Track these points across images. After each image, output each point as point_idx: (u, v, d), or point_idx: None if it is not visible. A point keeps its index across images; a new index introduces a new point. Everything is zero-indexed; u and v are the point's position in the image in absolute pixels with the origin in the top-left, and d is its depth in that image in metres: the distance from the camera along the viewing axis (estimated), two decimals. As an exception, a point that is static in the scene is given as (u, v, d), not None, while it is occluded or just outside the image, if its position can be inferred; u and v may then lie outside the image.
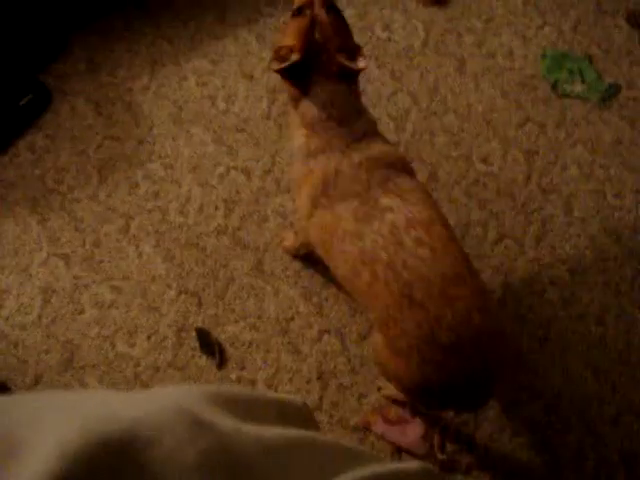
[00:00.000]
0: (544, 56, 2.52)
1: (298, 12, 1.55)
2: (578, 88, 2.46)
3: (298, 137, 1.58)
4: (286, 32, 1.56)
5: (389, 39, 2.51)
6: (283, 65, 1.50)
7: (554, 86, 2.45)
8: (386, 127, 2.34)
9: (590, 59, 2.54)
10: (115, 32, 2.57)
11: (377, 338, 1.55)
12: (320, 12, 1.51)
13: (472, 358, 1.39)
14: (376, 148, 1.55)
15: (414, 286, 1.38)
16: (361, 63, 1.51)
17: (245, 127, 2.35)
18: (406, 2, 2.59)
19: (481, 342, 1.39)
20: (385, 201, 1.46)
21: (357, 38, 2.34)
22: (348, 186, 1.50)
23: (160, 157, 2.31)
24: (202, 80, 2.45)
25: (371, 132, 1.59)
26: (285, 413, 1.07)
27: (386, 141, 1.63)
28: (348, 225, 1.48)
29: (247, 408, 0.92)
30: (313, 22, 1.51)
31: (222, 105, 2.39)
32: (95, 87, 2.45)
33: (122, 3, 2.63)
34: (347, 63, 1.50)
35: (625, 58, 2.53)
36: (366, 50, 2.47)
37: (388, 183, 1.49)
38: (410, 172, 1.61)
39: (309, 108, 1.55)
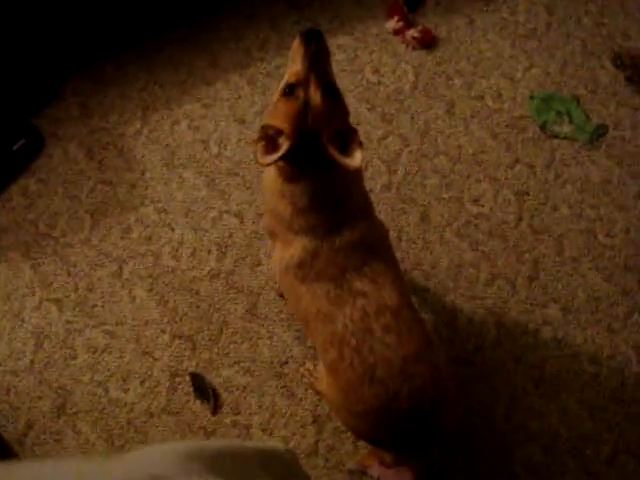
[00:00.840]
0: (532, 97, 2.58)
1: (289, 92, 1.43)
2: (566, 129, 2.53)
3: (283, 206, 1.56)
4: (275, 112, 1.46)
5: (379, 82, 2.57)
6: (274, 158, 1.40)
7: (543, 127, 2.52)
8: (377, 170, 2.39)
9: (578, 100, 2.61)
10: (107, 76, 2.62)
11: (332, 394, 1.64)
12: (315, 95, 1.40)
13: (423, 423, 1.50)
14: (359, 232, 1.56)
15: (377, 367, 1.46)
16: (356, 159, 1.38)
17: (238, 171, 2.40)
18: (395, 45, 2.66)
19: (432, 410, 1.50)
20: (358, 285, 1.51)
21: (347, 82, 2.43)
22: (324, 269, 1.53)
23: (153, 201, 2.34)
24: (194, 124, 2.50)
25: (358, 212, 1.59)
26: (268, 463, 1.10)
27: (371, 218, 1.66)
28: (322, 305, 1.53)
29: (230, 462, 0.94)
30: (306, 106, 1.40)
31: (214, 149, 2.44)
32: (88, 132, 2.49)
33: (114, 48, 2.68)
34: (340, 159, 1.39)
35: (612, 99, 2.60)
36: (357, 93, 2.54)
37: (364, 268, 1.53)
38: (388, 248, 1.69)
39: (298, 194, 1.52)
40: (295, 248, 1.55)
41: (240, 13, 2.75)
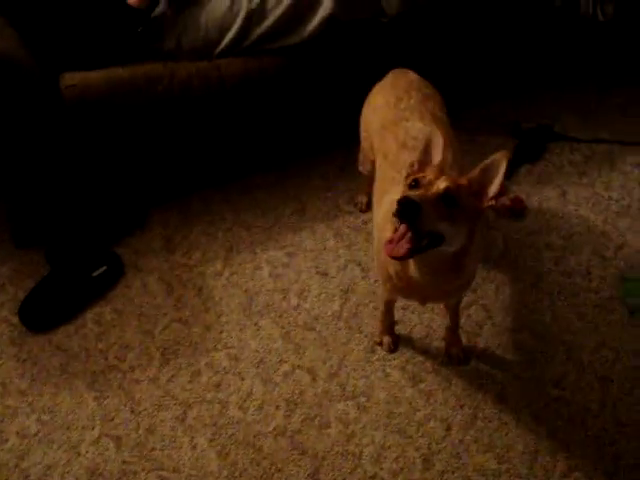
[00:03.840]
0: (624, 279, 2.60)
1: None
2: (658, 315, 2.52)
3: None
4: None
5: (466, 248, 2.63)
6: None
7: (633, 312, 2.52)
8: (457, 339, 2.41)
9: (671, 286, 2.61)
10: (194, 213, 2.76)
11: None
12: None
13: None
14: None
15: None
16: None
17: (315, 325, 2.45)
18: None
19: None
20: None
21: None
22: None
23: (226, 347, 2.41)
24: (276, 272, 2.59)
25: None
26: None
27: None
28: None
29: None
30: None
31: (294, 300, 2.52)
32: (169, 266, 2.60)
33: (203, 185, 2.83)
34: None
35: None
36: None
37: None
38: None
39: None
40: None
41: (332, 163, 2.88)
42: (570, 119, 3.17)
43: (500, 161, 1.66)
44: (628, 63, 3.34)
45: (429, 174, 1.68)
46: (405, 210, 1.56)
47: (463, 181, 1.69)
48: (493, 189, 1.68)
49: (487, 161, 1.69)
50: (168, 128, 2.51)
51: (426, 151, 1.77)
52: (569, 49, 3.14)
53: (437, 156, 1.75)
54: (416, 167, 1.76)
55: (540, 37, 2.98)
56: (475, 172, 1.71)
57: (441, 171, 1.70)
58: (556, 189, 2.88)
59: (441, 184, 1.63)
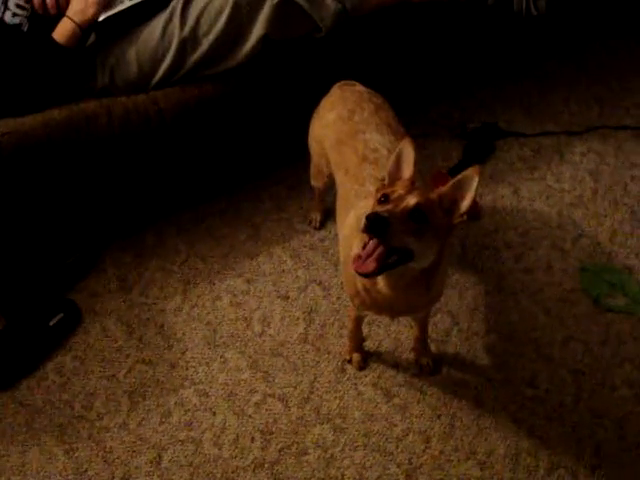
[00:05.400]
0: (584, 269, 2.63)
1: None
2: (621, 302, 2.56)
3: None
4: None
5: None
6: None
7: (596, 301, 2.55)
8: (427, 349, 2.42)
9: (630, 270, 2.65)
10: (147, 249, 2.73)
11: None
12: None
13: None
14: None
15: None
16: None
17: (282, 351, 2.44)
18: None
19: None
20: None
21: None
22: None
23: (194, 383, 2.38)
24: (236, 300, 2.57)
25: None
26: None
27: None
28: None
29: None
30: None
31: (257, 327, 2.50)
32: (127, 307, 2.56)
33: (154, 218, 2.80)
34: None
35: (669, 277, 2.64)
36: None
37: None
38: None
39: None
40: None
41: (281, 183, 2.88)
42: (514, 115, 3.21)
43: (472, 177, 1.63)
44: (566, 54, 3.39)
45: (399, 188, 1.65)
46: (374, 226, 1.52)
47: (434, 196, 1.64)
48: (465, 205, 1.64)
49: (459, 176, 1.65)
50: (112, 166, 2.48)
51: (397, 165, 1.74)
52: (505, 45, 3.18)
53: (408, 170, 1.71)
54: (386, 181, 1.73)
55: (475, 36, 3.00)
56: (446, 188, 1.66)
57: (412, 185, 1.67)
58: (509, 186, 2.91)
59: (411, 200, 1.58)
